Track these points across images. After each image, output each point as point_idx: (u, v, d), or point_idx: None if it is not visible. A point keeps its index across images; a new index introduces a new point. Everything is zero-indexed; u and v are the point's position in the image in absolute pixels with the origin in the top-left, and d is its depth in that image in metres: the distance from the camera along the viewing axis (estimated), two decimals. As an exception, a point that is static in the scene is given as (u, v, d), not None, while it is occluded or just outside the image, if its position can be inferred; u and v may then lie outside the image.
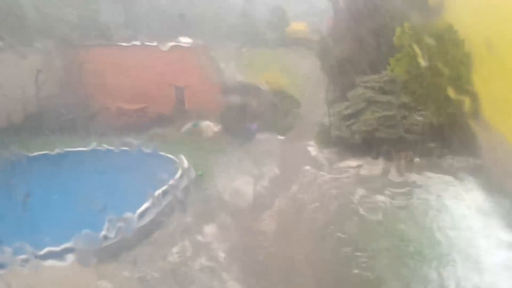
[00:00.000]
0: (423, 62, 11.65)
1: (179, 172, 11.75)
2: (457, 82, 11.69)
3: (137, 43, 19.58)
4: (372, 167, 12.04)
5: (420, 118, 12.02)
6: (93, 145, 13.91)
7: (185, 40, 18.93)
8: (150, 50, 18.58)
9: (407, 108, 12.32)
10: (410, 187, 10.54)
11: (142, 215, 9.59)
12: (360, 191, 10.52)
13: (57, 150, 14.02)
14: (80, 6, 20.32)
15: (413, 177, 11.09)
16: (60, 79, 18.96)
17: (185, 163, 12.25)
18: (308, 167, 12.38)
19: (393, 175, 11.34)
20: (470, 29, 11.96)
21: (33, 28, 17.21)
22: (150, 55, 18.49)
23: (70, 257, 8.40)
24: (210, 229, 9.61)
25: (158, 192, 10.31)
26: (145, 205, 9.88)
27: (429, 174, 11.04)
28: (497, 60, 10.30)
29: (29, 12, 16.63)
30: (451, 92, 11.46)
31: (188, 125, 17.36)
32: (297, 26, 30.49)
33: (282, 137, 15.73)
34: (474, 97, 11.38)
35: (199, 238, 9.38)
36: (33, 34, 17.24)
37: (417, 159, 11.78)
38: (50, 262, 8.35)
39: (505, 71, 9.77)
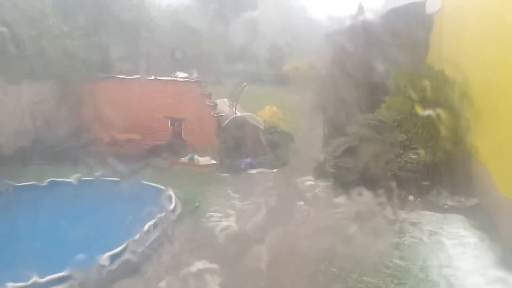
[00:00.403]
0: (420, 111, 11.95)
1: (172, 205, 11.63)
2: (451, 122, 11.89)
3: (137, 76, 19.87)
4: (366, 204, 11.95)
5: (414, 156, 12.07)
6: (82, 176, 13.77)
7: (183, 75, 19.23)
8: (148, 84, 18.83)
9: (401, 146, 12.39)
10: (404, 224, 10.44)
11: (129, 248, 9.37)
12: (354, 228, 10.40)
13: (46, 181, 13.85)
14: (79, 38, 20.65)
15: (407, 214, 11.00)
16: (56, 110, 19.08)
17: (174, 196, 12.14)
18: (302, 202, 12.30)
19: (387, 212, 11.24)
20: (467, 73, 12.21)
21: (31, 59, 17.42)
22: (148, 88, 18.74)
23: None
24: (200, 264, 9.43)
25: (148, 224, 10.14)
26: (135, 237, 9.68)
27: (423, 212, 10.99)
28: (490, 102, 10.49)
29: (26, 43, 16.77)
30: (445, 132, 11.67)
31: (184, 158, 17.41)
32: (296, 64, 31.09)
33: (277, 172, 15.76)
34: (468, 137, 11.54)
35: (189, 272, 9.20)
36: (31, 65, 17.43)
37: (411, 197, 11.73)
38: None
39: (498, 114, 9.92)
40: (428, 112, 11.92)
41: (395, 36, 14.86)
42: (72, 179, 13.63)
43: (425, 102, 12.37)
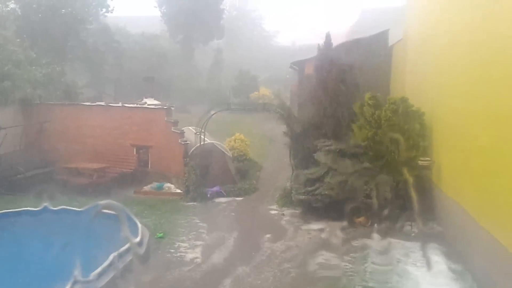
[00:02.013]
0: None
1: (139, 235, 11.27)
2: (414, 151, 12.19)
3: (102, 103, 19.60)
4: (333, 231, 12.00)
5: (381, 184, 12.21)
6: (46, 205, 13.23)
7: (150, 102, 19.10)
8: (114, 111, 18.59)
9: (367, 173, 12.53)
10: (370, 251, 10.47)
11: (93, 278, 8.95)
12: (321, 256, 10.37)
13: (9, 209, 13.25)
14: (44, 65, 20.33)
15: (374, 242, 11.05)
16: (20, 136, 18.56)
17: (140, 226, 11.78)
18: (269, 231, 12.22)
19: (354, 240, 11.29)
20: (430, 102, 12.59)
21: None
22: (114, 115, 18.49)
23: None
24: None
25: (113, 255, 9.77)
26: (97, 270, 9.28)
27: (389, 239, 11.04)
28: (451, 131, 10.81)
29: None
30: (408, 160, 11.95)
31: (149, 186, 17.11)
32: (263, 92, 31.50)
33: (244, 200, 15.65)
34: (432, 166, 11.80)
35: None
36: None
37: (377, 224, 11.82)
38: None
39: (458, 142, 10.21)
40: (391, 135, 12.15)
41: (359, 65, 15.28)
42: (39, 208, 13.09)
43: (387, 130, 12.62)
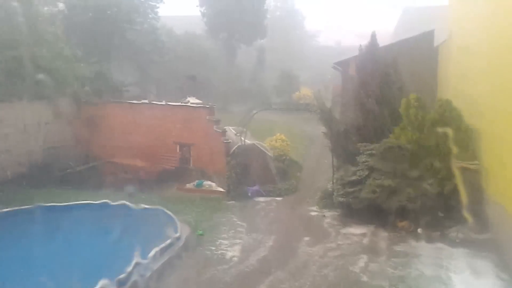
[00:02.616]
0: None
1: (178, 231, 11.49)
2: (461, 154, 11.76)
3: (146, 101, 20.04)
4: (375, 235, 11.79)
5: (425, 187, 11.89)
6: (93, 199, 13.70)
7: (193, 101, 19.35)
8: (158, 109, 18.94)
9: (411, 177, 12.23)
10: (414, 257, 10.22)
11: (136, 272, 9.21)
12: (363, 260, 10.21)
13: (55, 203, 13.74)
14: (92, 63, 20.97)
15: (418, 247, 10.79)
16: (66, 132, 19.25)
17: (180, 222, 12.01)
18: (308, 233, 12.15)
19: (396, 244, 11.05)
20: (476, 104, 12.17)
21: (44, 81, 17.64)
22: (158, 113, 18.82)
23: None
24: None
25: (155, 250, 10.01)
26: (142, 262, 9.54)
27: (435, 245, 10.75)
28: (501, 135, 10.39)
29: (41, 65, 17.05)
30: (455, 163, 11.54)
31: (191, 184, 17.35)
32: (305, 92, 31.33)
33: (284, 200, 15.63)
34: (480, 169, 11.39)
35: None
36: (44, 87, 17.63)
37: (421, 229, 11.53)
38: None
39: (508, 146, 9.81)
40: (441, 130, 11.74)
41: (403, 67, 14.95)
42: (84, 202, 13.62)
43: (433, 133, 12.27)
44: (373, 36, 15.31)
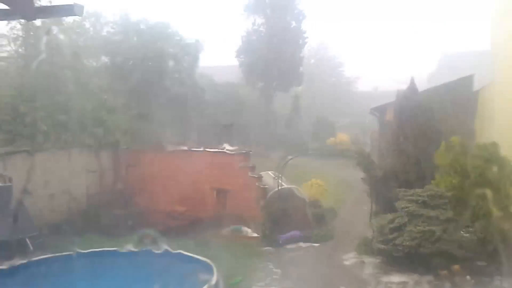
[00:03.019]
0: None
1: (214, 279, 11.38)
2: (503, 200, 11.38)
3: (184, 148, 20.48)
4: (417, 284, 11.30)
5: (466, 235, 11.48)
6: (130, 247, 13.84)
7: (229, 147, 19.64)
8: (196, 155, 19.30)
9: (452, 223, 11.83)
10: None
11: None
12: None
13: (94, 249, 13.95)
14: (131, 112, 21.75)
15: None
16: (106, 179, 19.80)
17: (216, 270, 11.90)
18: (346, 281, 11.79)
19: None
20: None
21: (89, 131, 18.44)
22: (195, 160, 19.15)
23: None
24: None
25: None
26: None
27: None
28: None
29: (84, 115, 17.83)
30: (497, 210, 11.16)
31: (227, 230, 17.30)
32: (341, 137, 31.24)
33: (321, 247, 15.31)
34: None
35: None
36: (87, 136, 18.40)
37: (468, 277, 11.00)
38: None
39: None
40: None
41: (441, 111, 14.80)
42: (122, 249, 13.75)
43: (476, 179, 11.95)
44: (412, 81, 15.41)
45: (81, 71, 19.22)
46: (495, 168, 11.73)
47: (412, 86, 15.42)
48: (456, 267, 11.36)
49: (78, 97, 18.21)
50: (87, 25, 26.10)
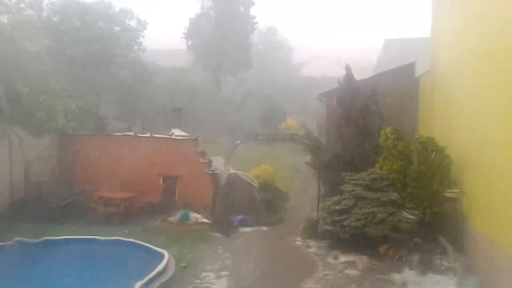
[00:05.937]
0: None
1: (163, 264, 11.29)
2: (441, 184, 11.97)
3: (131, 134, 20.02)
4: (361, 264, 11.70)
5: (407, 216, 11.99)
6: (74, 234, 13.56)
7: (178, 133, 19.38)
8: (142, 141, 18.94)
9: (395, 205, 12.32)
10: (400, 285, 10.17)
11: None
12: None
13: (38, 239, 13.53)
14: (78, 98, 20.98)
15: (403, 275, 10.73)
16: (52, 166, 19.06)
17: (168, 255, 11.82)
18: (294, 263, 12.04)
19: (383, 273, 10.99)
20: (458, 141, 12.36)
21: (29, 116, 17.65)
22: (142, 145, 18.80)
23: None
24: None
25: (140, 283, 9.80)
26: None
27: (419, 273, 10.70)
28: (482, 163, 10.53)
29: (26, 100, 17.06)
30: (436, 192, 11.76)
31: (176, 216, 17.16)
32: (290, 122, 31.55)
33: (270, 231, 15.51)
34: (460, 197, 11.52)
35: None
36: (29, 121, 17.61)
37: (406, 257, 11.51)
38: None
39: (489, 175, 9.94)
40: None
41: (387, 98, 15.28)
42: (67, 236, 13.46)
43: (415, 164, 12.54)
44: (348, 68, 15.85)
45: (19, 55, 18.28)
46: (433, 155, 12.29)
47: (349, 74, 15.83)
48: (390, 251, 11.87)
49: (14, 81, 17.41)
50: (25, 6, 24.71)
